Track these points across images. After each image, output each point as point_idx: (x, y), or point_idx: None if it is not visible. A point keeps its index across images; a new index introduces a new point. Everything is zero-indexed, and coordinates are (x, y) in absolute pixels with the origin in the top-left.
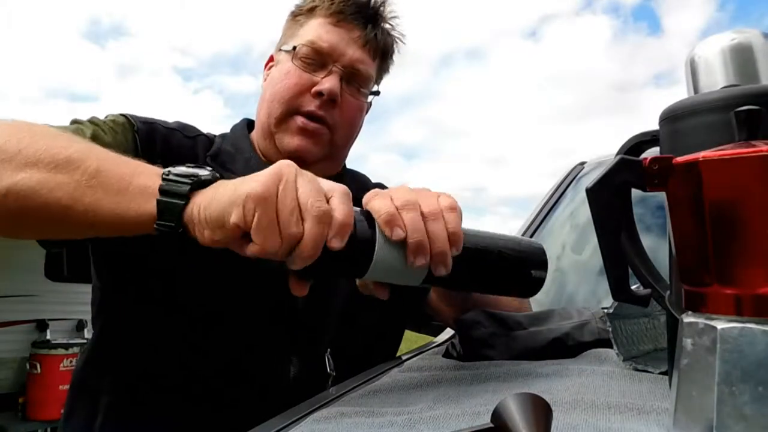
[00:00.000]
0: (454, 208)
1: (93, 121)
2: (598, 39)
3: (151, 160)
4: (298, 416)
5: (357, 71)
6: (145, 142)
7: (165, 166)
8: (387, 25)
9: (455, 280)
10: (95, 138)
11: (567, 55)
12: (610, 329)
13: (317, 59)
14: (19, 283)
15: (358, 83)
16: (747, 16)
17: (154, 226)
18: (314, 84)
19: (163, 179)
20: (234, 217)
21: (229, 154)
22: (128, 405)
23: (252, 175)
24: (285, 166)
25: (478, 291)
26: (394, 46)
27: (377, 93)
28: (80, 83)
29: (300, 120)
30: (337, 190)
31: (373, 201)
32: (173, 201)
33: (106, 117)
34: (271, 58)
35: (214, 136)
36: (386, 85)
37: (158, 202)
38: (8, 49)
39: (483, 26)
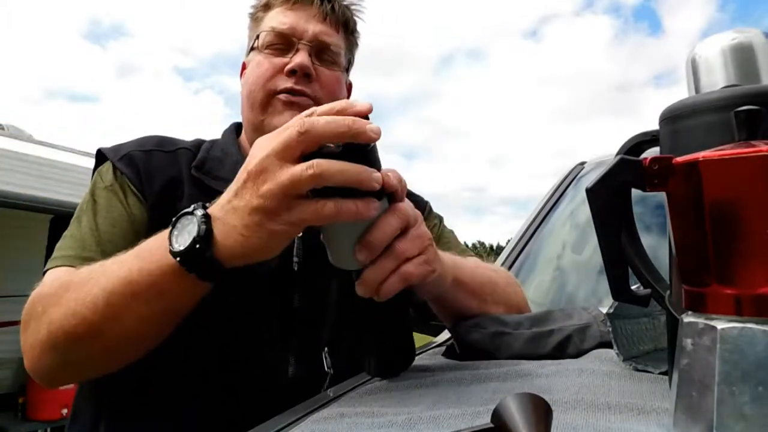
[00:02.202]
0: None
1: (94, 205)
2: (598, 39)
3: (140, 187)
4: (298, 416)
5: (324, 43)
6: (129, 175)
7: (150, 189)
8: (343, 2)
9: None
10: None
11: (567, 55)
12: (610, 329)
13: (282, 42)
14: (20, 283)
15: (329, 55)
16: (747, 17)
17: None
18: (285, 64)
19: (177, 256)
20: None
21: (216, 161)
22: (129, 407)
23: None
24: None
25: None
26: (355, 17)
27: (350, 63)
28: (80, 83)
29: (283, 96)
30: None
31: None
32: (198, 261)
33: (95, 178)
34: (244, 66)
35: (203, 141)
36: (386, 85)
37: (190, 270)
38: (8, 49)
39: (483, 26)
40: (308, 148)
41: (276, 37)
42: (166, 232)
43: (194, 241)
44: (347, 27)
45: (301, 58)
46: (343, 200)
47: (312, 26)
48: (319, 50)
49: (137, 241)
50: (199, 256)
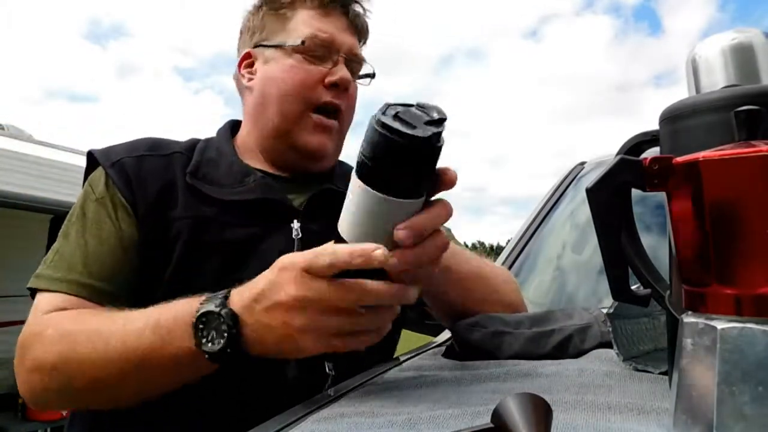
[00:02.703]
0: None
1: (83, 219)
2: (598, 39)
3: (131, 199)
4: (298, 416)
5: (356, 57)
6: (119, 186)
7: (142, 198)
8: (359, 7)
9: None
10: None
11: (567, 55)
12: (610, 329)
13: (322, 51)
14: (19, 283)
15: (358, 69)
16: (747, 17)
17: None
18: (324, 75)
19: (207, 354)
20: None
21: (211, 163)
22: (129, 407)
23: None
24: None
25: None
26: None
27: (371, 75)
28: (80, 83)
29: (316, 117)
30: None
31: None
32: (229, 360)
33: (86, 188)
34: (247, 55)
35: (197, 141)
36: (386, 85)
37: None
38: (8, 49)
39: (483, 26)
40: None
41: (318, 44)
42: (187, 314)
43: (226, 345)
44: (366, 37)
45: (344, 71)
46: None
47: (347, 38)
48: (352, 63)
49: (124, 258)
50: (231, 357)
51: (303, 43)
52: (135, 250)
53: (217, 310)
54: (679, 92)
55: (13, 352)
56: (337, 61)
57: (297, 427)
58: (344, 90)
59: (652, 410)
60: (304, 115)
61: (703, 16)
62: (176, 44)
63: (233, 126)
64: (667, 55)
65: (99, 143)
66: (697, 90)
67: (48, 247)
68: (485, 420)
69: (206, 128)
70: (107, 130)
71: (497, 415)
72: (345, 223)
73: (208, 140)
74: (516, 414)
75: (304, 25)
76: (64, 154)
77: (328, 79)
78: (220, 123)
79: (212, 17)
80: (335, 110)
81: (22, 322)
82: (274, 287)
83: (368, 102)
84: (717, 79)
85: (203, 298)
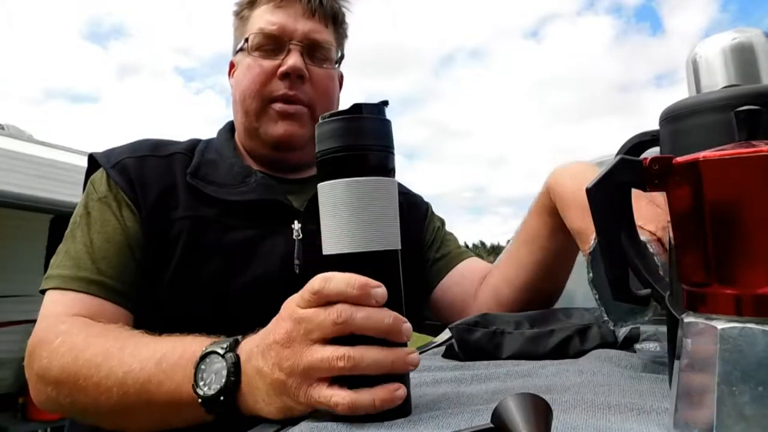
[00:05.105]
0: None
1: (88, 218)
2: (599, 39)
3: (133, 198)
4: (298, 416)
5: (315, 41)
6: (122, 185)
7: (144, 199)
8: None
9: None
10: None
11: (568, 55)
12: (596, 296)
13: (271, 44)
14: (19, 283)
15: (321, 53)
16: (749, 17)
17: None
18: (276, 67)
19: (200, 398)
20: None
21: (211, 164)
22: None
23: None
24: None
25: None
26: (343, 9)
27: (341, 59)
28: (80, 83)
29: (277, 106)
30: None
31: None
32: (220, 409)
33: (88, 188)
34: (232, 65)
35: (198, 142)
36: (386, 85)
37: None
38: (8, 49)
39: (484, 26)
40: (341, 335)
41: (265, 38)
42: (194, 352)
43: (220, 392)
44: (336, 20)
45: (293, 60)
46: (359, 396)
47: (301, 25)
48: (311, 49)
49: (130, 255)
50: (223, 406)
51: (246, 39)
52: (140, 249)
53: (222, 352)
54: (680, 92)
55: (14, 352)
56: (289, 50)
57: (297, 426)
58: (297, 78)
59: (652, 410)
60: (266, 108)
61: (705, 17)
62: (177, 44)
63: (233, 126)
64: (668, 55)
65: (99, 143)
66: (698, 90)
67: (48, 247)
68: (485, 420)
69: (207, 129)
70: (107, 130)
71: (497, 415)
72: (334, 238)
73: (208, 141)
74: (516, 414)
75: (256, 22)
76: (64, 154)
77: (279, 70)
78: (222, 123)
79: (213, 17)
80: (294, 100)
81: (23, 323)
82: (272, 328)
83: (371, 101)
84: (717, 79)
85: (215, 339)
